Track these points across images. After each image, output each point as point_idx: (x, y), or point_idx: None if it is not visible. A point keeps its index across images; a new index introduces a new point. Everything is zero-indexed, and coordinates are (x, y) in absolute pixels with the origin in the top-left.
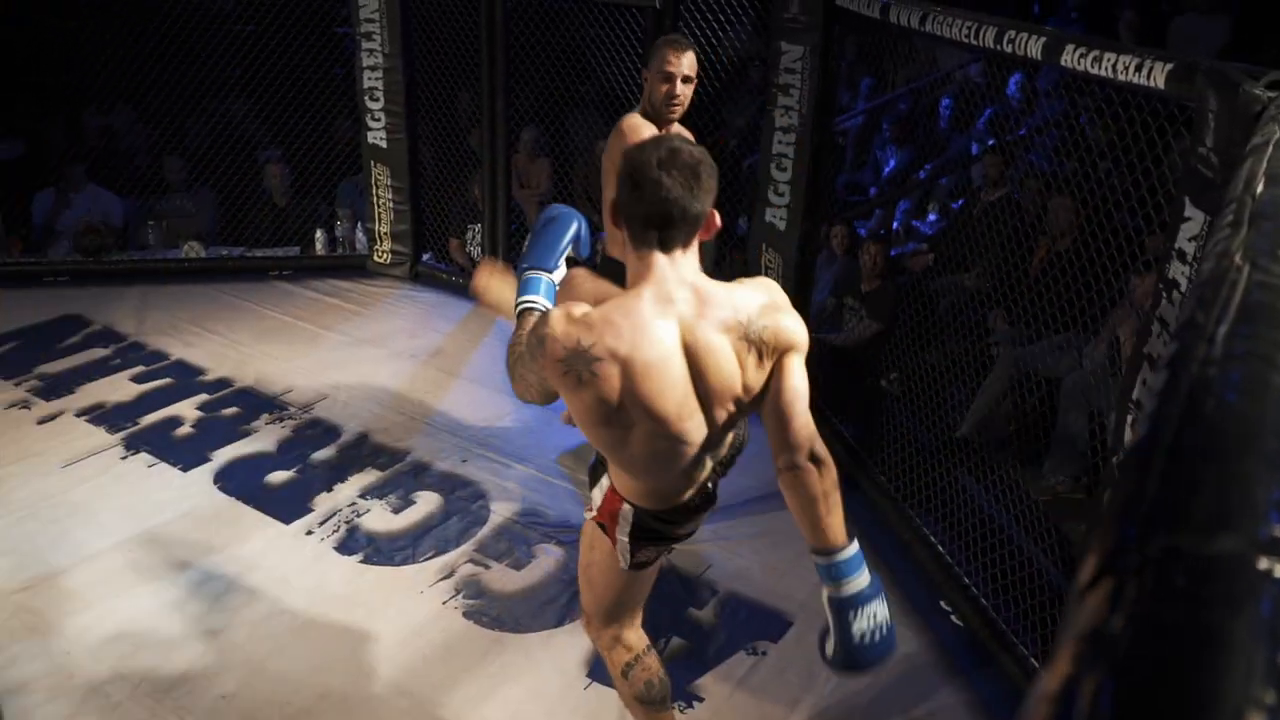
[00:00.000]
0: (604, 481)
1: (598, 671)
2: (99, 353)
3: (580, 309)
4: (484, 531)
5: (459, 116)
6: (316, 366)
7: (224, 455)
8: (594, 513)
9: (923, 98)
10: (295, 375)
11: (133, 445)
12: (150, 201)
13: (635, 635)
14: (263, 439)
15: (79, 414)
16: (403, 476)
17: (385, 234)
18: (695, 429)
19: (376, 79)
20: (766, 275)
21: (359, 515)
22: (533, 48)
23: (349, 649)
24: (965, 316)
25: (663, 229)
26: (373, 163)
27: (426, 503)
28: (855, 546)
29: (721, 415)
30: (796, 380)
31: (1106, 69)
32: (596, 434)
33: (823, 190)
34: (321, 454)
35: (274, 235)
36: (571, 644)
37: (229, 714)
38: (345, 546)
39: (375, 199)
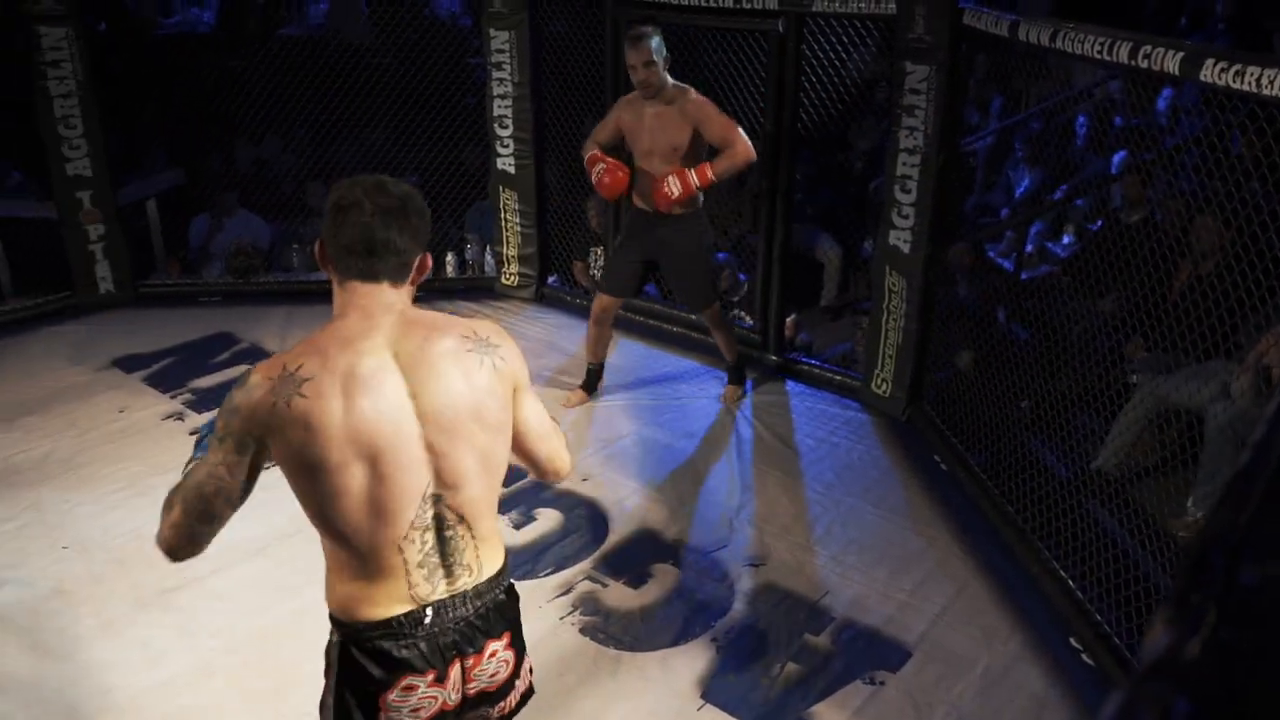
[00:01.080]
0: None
1: (713, 694)
2: (247, 369)
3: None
4: (602, 549)
5: (581, 139)
6: None
7: None
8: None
9: (1057, 116)
10: None
11: None
12: (294, 226)
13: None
14: None
15: None
16: (524, 493)
17: (512, 257)
18: (418, 461)
19: (506, 107)
20: (891, 298)
21: None
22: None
23: None
24: (1100, 343)
25: (365, 257)
26: (501, 188)
27: (546, 519)
28: None
29: (452, 443)
30: (531, 409)
31: (1250, 83)
32: (308, 489)
33: (949, 212)
34: None
35: None
36: (687, 664)
37: None
38: None
39: (503, 223)
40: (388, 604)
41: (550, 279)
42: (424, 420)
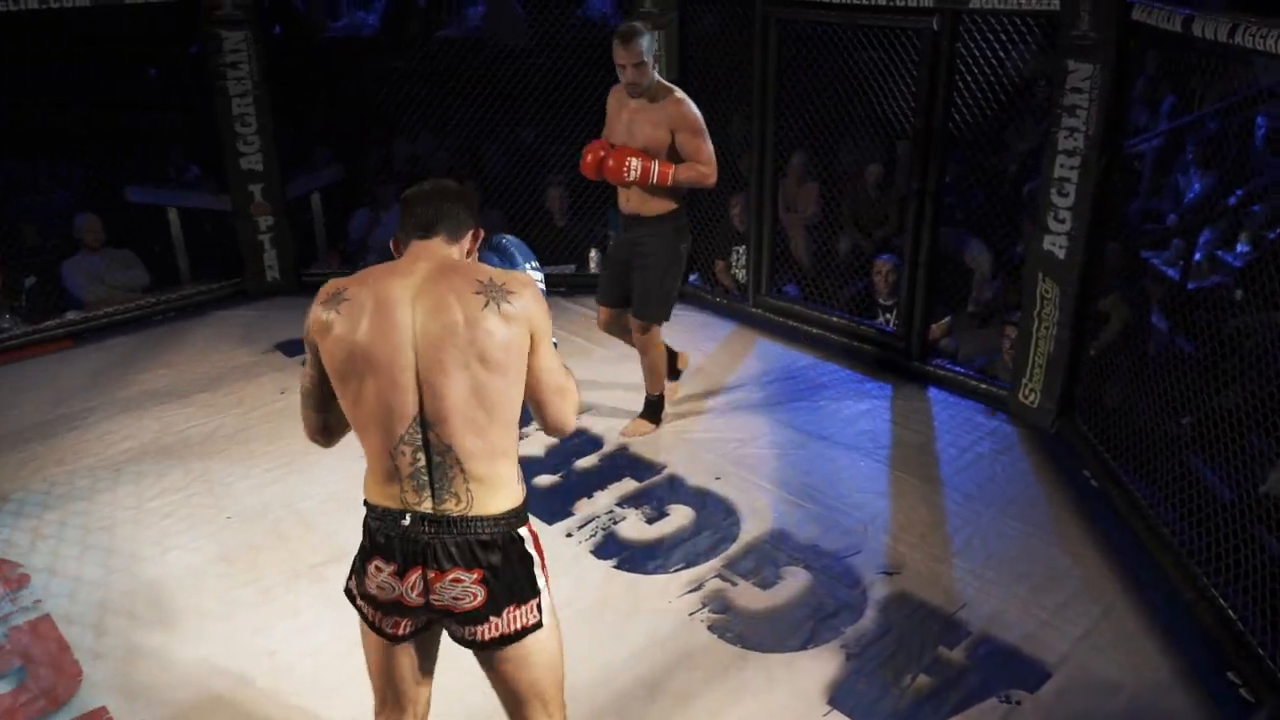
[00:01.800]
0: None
1: (840, 700)
2: None
3: None
4: (733, 549)
5: (730, 141)
6: (583, 379)
7: None
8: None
9: (1235, 116)
10: None
11: None
12: None
13: None
14: (532, 444)
15: None
16: (658, 489)
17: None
18: (408, 386)
19: None
20: (1043, 305)
21: (615, 523)
22: (805, 72)
23: (599, 648)
24: (1276, 358)
25: (422, 220)
26: None
27: (679, 516)
28: None
29: (440, 375)
30: (544, 359)
31: None
32: (339, 391)
33: (1110, 217)
34: (584, 462)
35: (553, 253)
36: (814, 669)
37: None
38: (601, 551)
39: None
40: (384, 497)
41: (691, 277)
42: (417, 349)
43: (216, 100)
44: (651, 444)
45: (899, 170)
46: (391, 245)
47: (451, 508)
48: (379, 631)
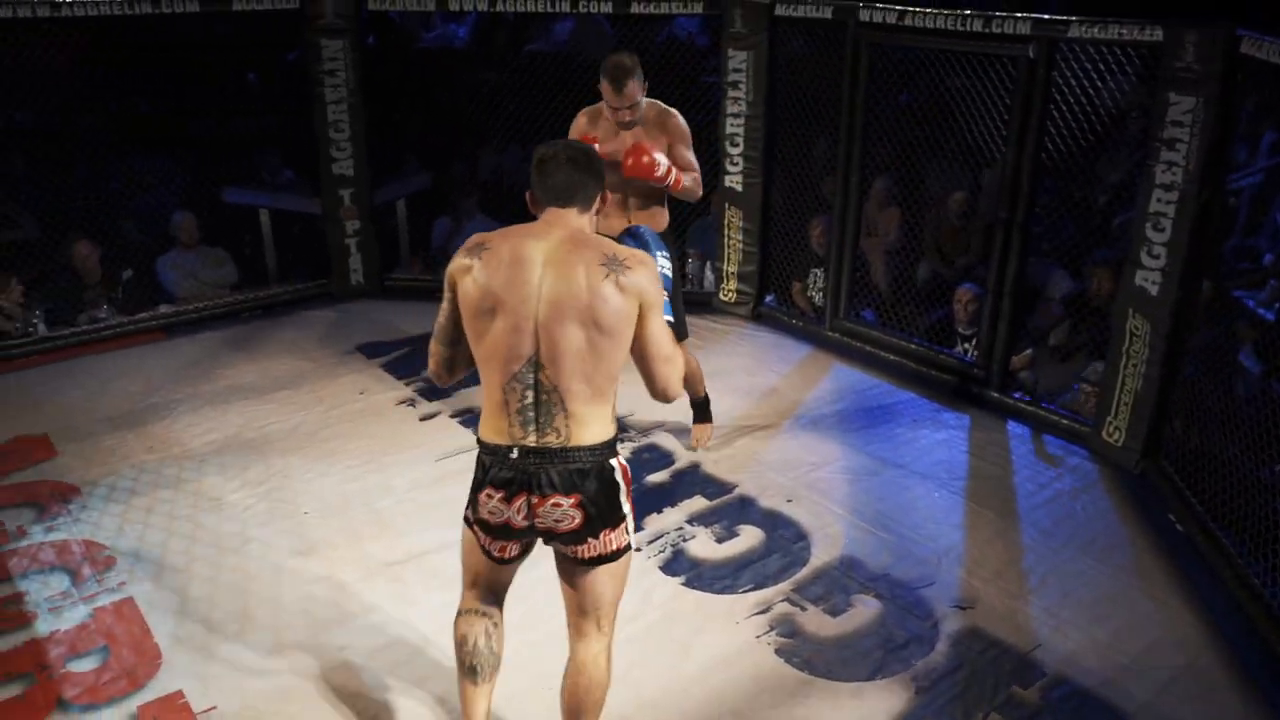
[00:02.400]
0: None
1: None
2: None
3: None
4: (803, 573)
5: (813, 163)
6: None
7: None
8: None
9: None
10: (638, 401)
11: None
12: None
13: (471, 599)
14: None
15: (453, 415)
16: (729, 508)
17: (732, 274)
18: (528, 331)
19: (738, 125)
20: (1132, 342)
21: (685, 540)
22: (893, 97)
23: (664, 664)
24: None
25: (560, 189)
26: (726, 205)
27: (749, 536)
28: None
29: (557, 327)
30: (652, 329)
31: None
32: (468, 328)
33: (1206, 254)
34: (655, 477)
35: None
36: (882, 699)
37: (533, 706)
38: (670, 568)
39: (726, 240)
40: (495, 434)
41: (767, 298)
42: (541, 302)
43: (314, 106)
44: (723, 463)
45: (983, 198)
46: (528, 199)
47: (552, 440)
48: (488, 554)
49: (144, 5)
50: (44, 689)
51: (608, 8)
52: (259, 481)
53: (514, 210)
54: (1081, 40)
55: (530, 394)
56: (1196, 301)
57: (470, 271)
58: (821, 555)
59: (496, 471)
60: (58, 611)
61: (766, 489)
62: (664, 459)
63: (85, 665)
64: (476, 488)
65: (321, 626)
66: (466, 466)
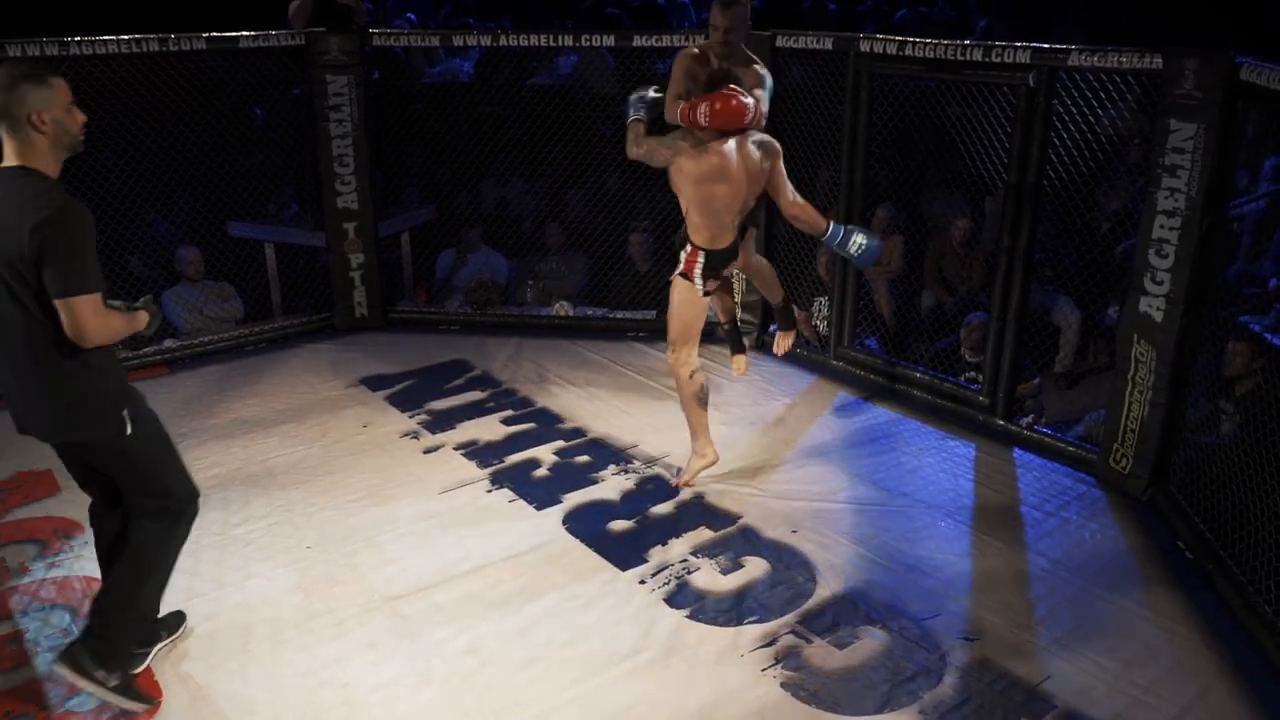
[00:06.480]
0: (686, 249)
1: None
2: (477, 395)
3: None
4: (809, 605)
5: (816, 192)
6: (662, 425)
7: (573, 499)
8: (682, 266)
9: None
10: (643, 431)
11: (497, 481)
12: (530, 263)
13: (696, 353)
14: (608, 488)
15: (457, 447)
16: (733, 540)
17: (737, 303)
18: (735, 192)
19: None
20: (1137, 369)
21: (689, 572)
22: (895, 125)
23: (668, 698)
24: None
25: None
26: None
27: (754, 568)
28: (831, 226)
29: (747, 187)
30: (781, 177)
31: None
32: (700, 193)
33: (1210, 280)
34: (659, 508)
35: (634, 299)
36: None
37: None
38: (674, 600)
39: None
40: (721, 243)
41: (772, 326)
42: (740, 175)
43: (319, 140)
44: (727, 494)
45: (986, 226)
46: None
47: (729, 240)
48: (707, 295)
49: (151, 44)
50: None
51: (610, 41)
52: (260, 516)
53: (519, 240)
54: (1081, 68)
55: (735, 220)
56: (1201, 328)
57: (708, 160)
58: (827, 587)
59: (722, 259)
60: (59, 650)
61: (771, 519)
62: (668, 490)
63: (85, 705)
64: (712, 271)
65: (323, 663)
66: (470, 499)
